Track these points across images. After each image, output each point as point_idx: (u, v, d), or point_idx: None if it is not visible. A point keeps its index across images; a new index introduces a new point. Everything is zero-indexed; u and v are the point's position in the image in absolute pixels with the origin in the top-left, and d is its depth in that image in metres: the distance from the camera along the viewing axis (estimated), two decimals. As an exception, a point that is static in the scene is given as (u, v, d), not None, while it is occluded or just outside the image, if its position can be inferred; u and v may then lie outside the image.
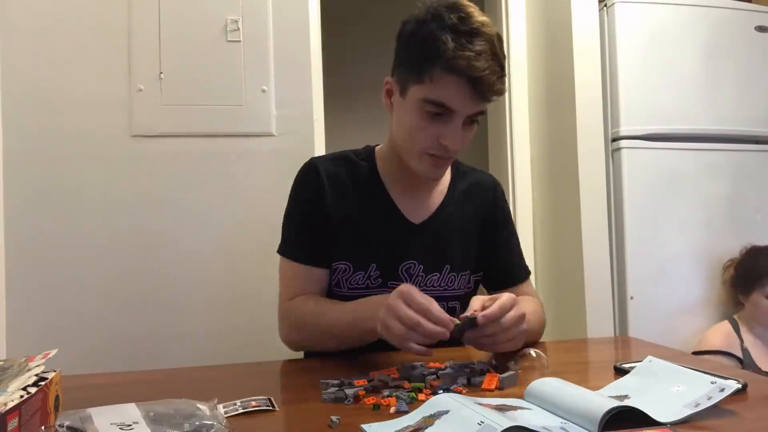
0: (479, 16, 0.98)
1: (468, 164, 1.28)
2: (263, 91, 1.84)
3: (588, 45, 2.05)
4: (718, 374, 0.80)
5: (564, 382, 0.74)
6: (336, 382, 0.83)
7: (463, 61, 0.94)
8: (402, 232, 1.13)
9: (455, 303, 1.15)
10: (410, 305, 0.86)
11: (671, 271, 2.07)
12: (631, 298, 2.02)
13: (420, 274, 1.12)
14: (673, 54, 2.11)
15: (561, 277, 2.15)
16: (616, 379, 0.85)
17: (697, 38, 2.13)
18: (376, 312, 0.90)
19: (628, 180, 2.04)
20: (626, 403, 0.66)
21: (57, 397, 0.70)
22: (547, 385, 0.73)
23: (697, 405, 0.67)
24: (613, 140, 2.08)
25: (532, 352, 0.91)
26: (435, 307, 0.86)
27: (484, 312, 0.88)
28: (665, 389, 0.74)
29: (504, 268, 1.23)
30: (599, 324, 1.98)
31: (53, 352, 0.74)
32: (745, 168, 2.17)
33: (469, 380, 0.84)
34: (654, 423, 0.64)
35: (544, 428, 0.61)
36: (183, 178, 1.81)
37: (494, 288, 1.22)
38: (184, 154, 1.81)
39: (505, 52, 1.02)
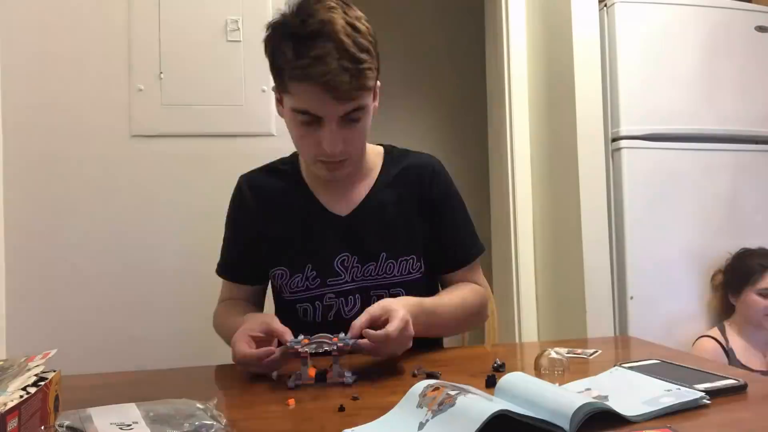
0: (323, 14, 0.93)
1: (405, 148, 1.24)
2: (263, 91, 1.84)
3: (588, 45, 2.05)
4: (716, 373, 0.80)
5: (533, 378, 0.73)
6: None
7: (300, 70, 0.93)
8: (329, 227, 1.13)
9: (399, 290, 1.12)
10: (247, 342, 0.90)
11: (671, 271, 2.07)
12: (631, 298, 2.02)
13: (355, 265, 1.11)
14: (673, 54, 2.11)
15: (561, 277, 2.15)
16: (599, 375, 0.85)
17: (696, 38, 2.13)
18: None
19: (628, 180, 2.04)
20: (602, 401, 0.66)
21: (57, 397, 0.70)
22: (518, 379, 0.72)
23: (660, 403, 0.68)
24: (613, 140, 2.08)
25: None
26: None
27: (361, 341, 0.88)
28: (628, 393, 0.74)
29: (444, 252, 1.18)
30: (599, 324, 1.98)
31: (53, 352, 0.74)
32: (745, 168, 2.17)
33: None
34: (625, 421, 0.64)
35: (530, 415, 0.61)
36: (183, 178, 1.81)
37: (437, 271, 1.20)
38: (184, 154, 1.81)
39: (369, 40, 0.96)
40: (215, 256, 1.82)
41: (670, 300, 2.06)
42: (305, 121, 1.00)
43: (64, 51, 1.76)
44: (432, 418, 0.63)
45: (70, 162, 1.75)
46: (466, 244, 1.20)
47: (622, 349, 1.19)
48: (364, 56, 0.95)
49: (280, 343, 0.90)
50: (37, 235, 1.73)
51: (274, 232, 1.15)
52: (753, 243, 2.08)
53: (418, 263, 1.14)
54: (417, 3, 3.58)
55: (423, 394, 0.67)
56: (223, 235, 1.25)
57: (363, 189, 1.16)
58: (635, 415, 0.65)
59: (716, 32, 2.15)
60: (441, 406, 0.64)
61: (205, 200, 1.81)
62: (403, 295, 1.11)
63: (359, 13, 0.99)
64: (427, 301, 1.05)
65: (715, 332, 2.03)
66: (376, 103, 1.08)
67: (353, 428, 0.66)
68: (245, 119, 1.84)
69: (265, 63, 1.83)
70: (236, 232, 1.21)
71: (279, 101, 1.08)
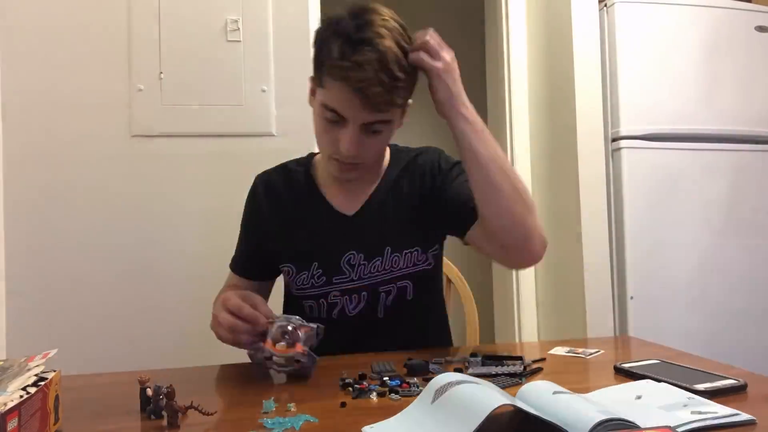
0: (379, 26, 0.96)
1: (408, 146, 1.26)
2: (263, 91, 1.84)
3: (588, 45, 2.05)
4: (716, 373, 0.80)
5: (559, 388, 0.70)
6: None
7: (340, 71, 0.95)
8: (337, 226, 1.16)
9: (406, 282, 1.14)
10: (228, 310, 0.94)
11: (671, 271, 2.07)
12: (631, 298, 2.02)
13: (362, 262, 1.14)
14: (673, 54, 2.11)
15: (561, 277, 2.15)
16: (616, 379, 0.85)
17: (696, 38, 2.13)
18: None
19: (628, 180, 2.04)
20: (636, 405, 0.65)
21: (57, 397, 0.70)
22: (542, 389, 0.69)
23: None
24: (613, 140, 2.08)
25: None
26: (247, 308, 0.93)
27: None
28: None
29: (461, 205, 1.08)
30: (599, 324, 1.98)
31: (53, 352, 0.74)
32: (745, 168, 2.17)
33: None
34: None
35: (541, 414, 0.61)
36: (183, 178, 1.81)
37: (464, 227, 1.09)
38: (184, 154, 1.81)
39: (403, 68, 0.97)
40: (215, 256, 1.82)
41: (671, 300, 2.06)
42: (330, 119, 1.02)
43: (64, 51, 1.76)
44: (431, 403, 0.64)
45: (70, 162, 1.75)
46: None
47: (622, 349, 1.19)
48: (401, 75, 0.97)
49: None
50: (36, 234, 1.73)
51: (282, 230, 1.17)
52: (753, 243, 2.08)
53: (424, 255, 1.16)
54: (416, 3, 3.58)
55: (441, 391, 0.67)
56: (238, 234, 1.27)
57: (370, 188, 1.19)
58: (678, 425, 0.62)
59: (716, 32, 2.15)
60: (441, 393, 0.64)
61: (205, 200, 1.82)
62: (410, 288, 1.15)
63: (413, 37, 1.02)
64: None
65: None
66: (407, 119, 1.10)
67: (372, 425, 0.66)
68: (245, 119, 1.84)
69: (264, 63, 1.85)
70: (248, 229, 1.24)
71: (312, 92, 1.10)
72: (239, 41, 1.83)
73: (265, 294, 1.26)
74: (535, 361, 0.94)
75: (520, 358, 0.92)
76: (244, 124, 1.84)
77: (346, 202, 1.17)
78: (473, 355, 0.93)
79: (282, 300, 1.28)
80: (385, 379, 0.84)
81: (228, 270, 1.27)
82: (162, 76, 1.79)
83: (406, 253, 1.15)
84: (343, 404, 0.76)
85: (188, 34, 1.81)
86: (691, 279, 2.10)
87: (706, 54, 2.13)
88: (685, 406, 0.67)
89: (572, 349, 1.04)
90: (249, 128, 1.84)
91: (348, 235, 1.15)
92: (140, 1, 1.79)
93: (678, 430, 0.61)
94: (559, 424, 0.59)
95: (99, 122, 1.77)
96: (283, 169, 1.24)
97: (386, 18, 0.99)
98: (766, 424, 0.66)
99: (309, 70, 1.83)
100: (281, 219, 1.18)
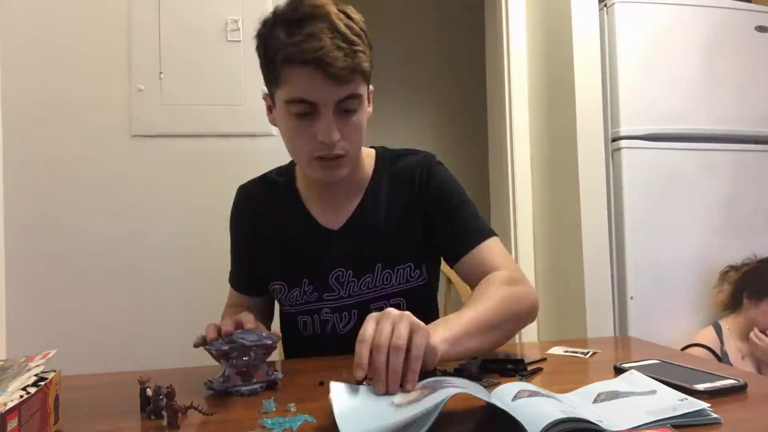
0: (314, 0, 0.94)
1: (397, 149, 1.19)
2: (263, 91, 1.84)
3: (588, 45, 2.05)
4: (716, 373, 0.80)
5: (532, 385, 0.69)
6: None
7: (294, 48, 0.91)
8: (321, 242, 1.10)
9: (398, 299, 1.10)
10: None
11: (671, 271, 2.07)
12: (631, 298, 2.02)
13: (351, 279, 1.09)
14: (673, 54, 2.11)
15: (561, 277, 2.15)
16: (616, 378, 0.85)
17: (697, 38, 2.13)
18: None
19: (628, 180, 2.04)
20: (598, 404, 0.65)
21: (57, 397, 0.70)
22: (515, 385, 0.69)
23: (660, 414, 0.64)
24: (613, 140, 2.08)
25: None
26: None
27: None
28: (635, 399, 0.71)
29: (452, 239, 1.09)
30: (599, 324, 1.98)
31: (53, 352, 0.74)
32: (745, 168, 2.17)
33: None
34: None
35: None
36: (183, 178, 1.81)
37: (453, 260, 1.09)
38: (184, 154, 1.81)
39: (361, 27, 0.96)
40: (215, 256, 1.83)
41: (671, 300, 2.06)
42: (300, 113, 0.96)
43: (64, 51, 1.76)
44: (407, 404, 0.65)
45: (70, 162, 1.75)
46: (469, 228, 1.08)
47: (622, 349, 1.19)
48: (356, 39, 0.94)
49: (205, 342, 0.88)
50: (37, 235, 1.73)
51: (269, 246, 1.14)
52: (753, 243, 2.07)
53: (417, 270, 1.11)
54: (417, 3, 3.58)
55: None
56: (229, 240, 1.25)
57: (355, 200, 1.12)
58: (627, 429, 0.61)
59: (716, 32, 2.15)
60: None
61: (204, 200, 1.82)
62: (403, 305, 1.08)
63: (350, 7, 0.99)
64: (451, 316, 0.89)
65: (709, 333, 2.01)
66: (370, 109, 1.05)
67: (335, 383, 0.69)
68: (245, 119, 1.84)
69: (265, 63, 1.85)
70: (237, 244, 1.21)
71: (270, 107, 1.06)
72: (239, 41, 1.83)
73: (269, 310, 1.24)
74: (535, 362, 0.94)
75: (521, 361, 0.92)
76: (244, 124, 1.84)
77: (330, 215, 1.11)
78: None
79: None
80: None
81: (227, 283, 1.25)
82: (162, 76, 1.79)
83: (398, 269, 1.09)
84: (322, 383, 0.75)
85: (188, 34, 1.81)
86: (691, 279, 2.10)
87: (706, 54, 2.13)
88: (674, 409, 0.65)
89: (572, 348, 1.04)
90: (249, 128, 1.84)
91: (334, 251, 1.09)
92: (140, 2, 1.79)
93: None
94: (518, 418, 0.59)
95: (99, 122, 1.77)
96: (263, 181, 1.19)
97: None
98: (766, 425, 0.66)
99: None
100: (267, 234, 1.14)
